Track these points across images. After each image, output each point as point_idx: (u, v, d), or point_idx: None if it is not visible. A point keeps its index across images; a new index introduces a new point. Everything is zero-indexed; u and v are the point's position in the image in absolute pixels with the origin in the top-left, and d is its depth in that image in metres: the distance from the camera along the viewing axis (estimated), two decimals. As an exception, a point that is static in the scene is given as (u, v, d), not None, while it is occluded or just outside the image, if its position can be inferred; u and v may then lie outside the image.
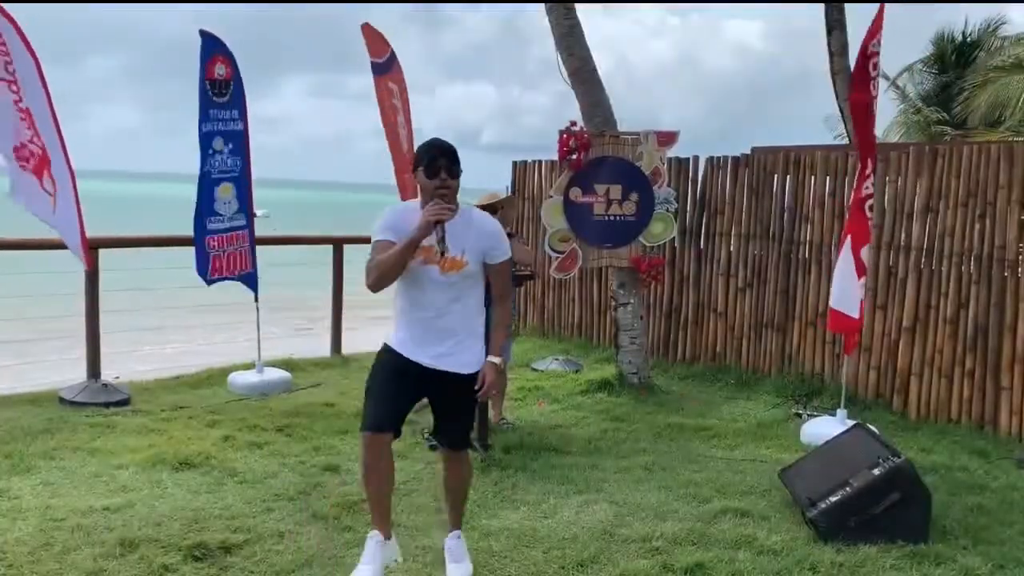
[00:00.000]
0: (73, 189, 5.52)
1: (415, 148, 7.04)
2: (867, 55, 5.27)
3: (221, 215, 6.43)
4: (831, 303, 5.68)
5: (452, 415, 3.46)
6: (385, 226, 3.29)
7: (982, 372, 5.91)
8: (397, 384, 3.34)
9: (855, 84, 5.42)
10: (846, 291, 5.53)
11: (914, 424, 6.12)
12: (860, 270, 5.50)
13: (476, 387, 3.32)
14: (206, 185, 6.33)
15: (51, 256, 6.54)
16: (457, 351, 3.33)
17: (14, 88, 5.41)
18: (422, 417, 5.87)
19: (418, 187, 3.31)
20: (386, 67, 7.74)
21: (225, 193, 6.43)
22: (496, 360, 3.34)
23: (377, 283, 3.24)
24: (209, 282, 6.44)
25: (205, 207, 6.33)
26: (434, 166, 3.22)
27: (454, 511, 3.60)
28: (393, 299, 3.44)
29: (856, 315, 5.55)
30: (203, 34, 6.24)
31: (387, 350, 3.41)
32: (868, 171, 5.46)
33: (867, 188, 5.51)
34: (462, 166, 3.29)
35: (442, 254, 3.21)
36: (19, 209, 5.74)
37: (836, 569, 3.62)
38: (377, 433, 3.27)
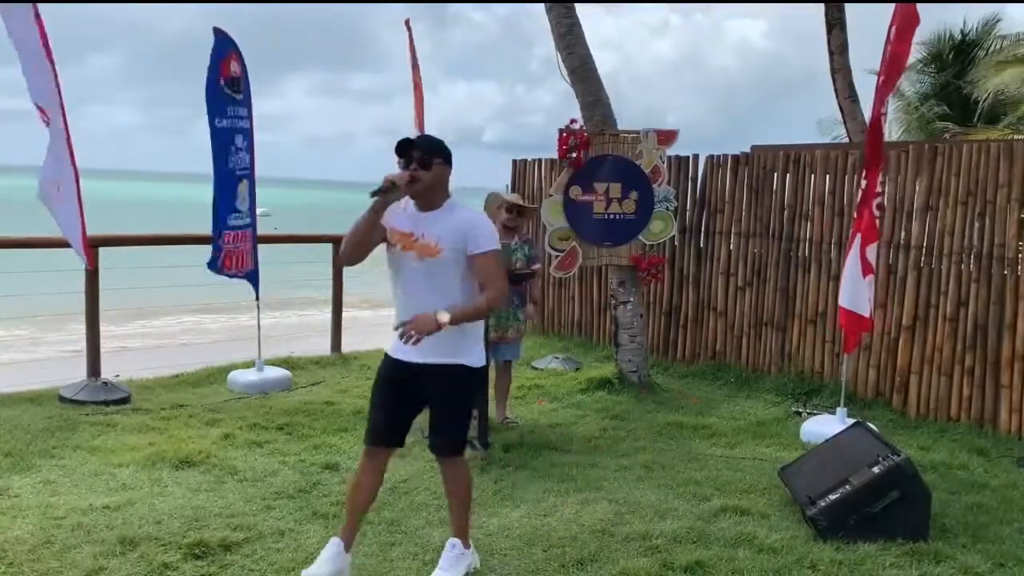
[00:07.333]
0: (76, 188, 5.52)
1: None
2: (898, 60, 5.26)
3: (240, 211, 6.43)
4: (841, 302, 5.66)
5: (436, 414, 3.35)
6: None
7: (982, 370, 5.91)
8: (388, 392, 3.37)
9: (880, 93, 5.37)
10: (856, 290, 5.53)
11: (914, 422, 6.12)
12: (867, 269, 5.50)
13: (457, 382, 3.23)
14: (227, 182, 6.30)
15: (50, 255, 6.54)
16: (437, 342, 3.14)
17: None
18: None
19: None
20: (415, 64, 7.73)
21: (243, 190, 6.42)
22: (443, 315, 3.07)
23: (343, 251, 3.25)
24: (219, 272, 6.44)
25: (226, 203, 6.31)
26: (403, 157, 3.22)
27: (451, 515, 3.51)
28: None
29: (867, 313, 5.55)
30: (217, 32, 6.23)
31: (384, 355, 3.42)
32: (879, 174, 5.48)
33: (878, 187, 5.51)
34: (453, 161, 3.29)
35: (374, 193, 3.13)
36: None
37: (836, 567, 3.62)
38: (371, 447, 3.38)
